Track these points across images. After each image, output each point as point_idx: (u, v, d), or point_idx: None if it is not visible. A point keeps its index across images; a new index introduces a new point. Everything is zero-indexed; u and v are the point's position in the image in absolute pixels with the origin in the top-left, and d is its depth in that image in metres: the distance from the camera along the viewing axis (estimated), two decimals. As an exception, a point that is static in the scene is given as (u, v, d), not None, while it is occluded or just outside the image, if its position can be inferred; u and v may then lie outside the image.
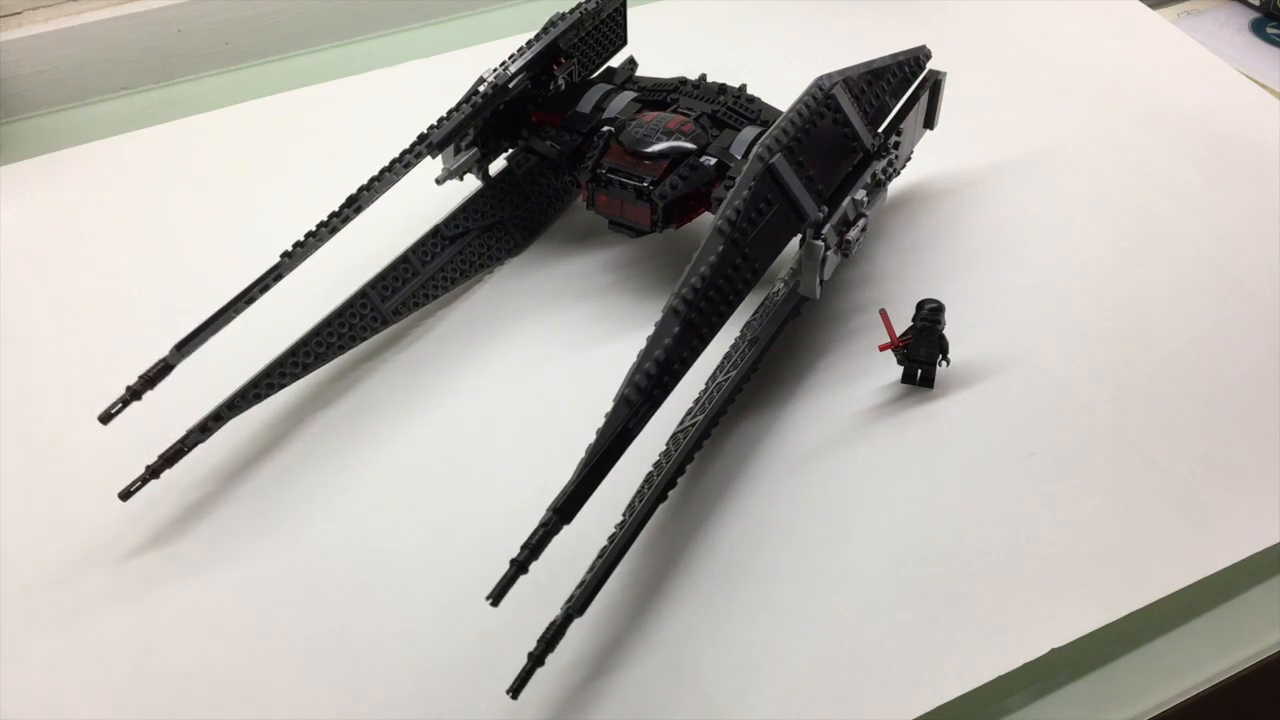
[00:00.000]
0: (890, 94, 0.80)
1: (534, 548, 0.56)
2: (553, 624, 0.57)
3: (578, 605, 0.58)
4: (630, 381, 0.59)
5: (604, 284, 0.86)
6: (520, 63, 0.82)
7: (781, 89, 0.81)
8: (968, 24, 1.15)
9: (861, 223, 0.76)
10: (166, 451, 0.67)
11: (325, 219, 0.73)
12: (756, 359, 0.73)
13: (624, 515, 0.63)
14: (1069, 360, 0.79)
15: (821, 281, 0.74)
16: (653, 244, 0.88)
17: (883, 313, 0.74)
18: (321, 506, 0.71)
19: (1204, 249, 0.87)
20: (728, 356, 0.74)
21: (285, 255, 0.72)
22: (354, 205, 0.74)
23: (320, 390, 0.78)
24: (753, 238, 0.65)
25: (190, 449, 0.68)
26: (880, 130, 0.78)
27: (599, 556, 0.61)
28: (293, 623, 0.64)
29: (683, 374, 0.61)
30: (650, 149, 0.78)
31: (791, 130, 0.69)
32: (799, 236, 0.72)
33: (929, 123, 0.87)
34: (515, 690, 0.56)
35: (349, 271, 0.80)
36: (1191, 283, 0.85)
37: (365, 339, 0.78)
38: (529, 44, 0.84)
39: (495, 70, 0.81)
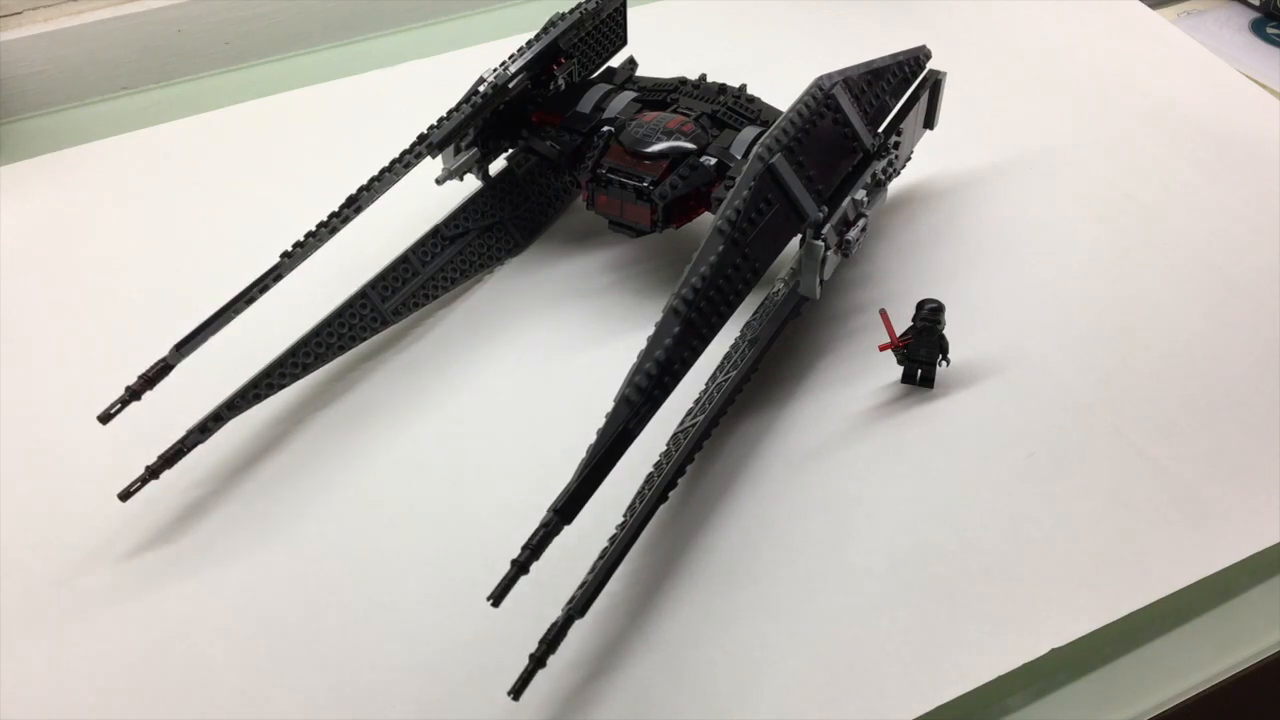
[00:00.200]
0: (890, 94, 0.80)
1: (534, 548, 0.56)
2: (554, 625, 0.57)
3: (578, 606, 0.58)
4: (630, 382, 0.59)
5: (604, 284, 0.86)
6: (520, 63, 0.82)
7: (781, 89, 0.81)
8: (968, 24, 1.15)
9: (861, 223, 0.76)
10: (166, 452, 0.67)
11: (325, 219, 0.73)
12: (756, 359, 0.73)
13: (624, 515, 0.63)
14: (1069, 360, 0.79)
15: (821, 281, 0.74)
16: (653, 244, 0.88)
17: (883, 313, 0.74)
18: (321, 507, 0.71)
19: (1204, 249, 0.87)
20: (728, 356, 0.74)
21: (285, 255, 0.72)
22: (354, 205, 0.74)
23: (320, 390, 0.78)
24: (753, 238, 0.65)
25: (190, 449, 0.68)
26: (880, 130, 0.78)
27: (599, 557, 0.61)
28: (293, 623, 0.64)
29: (683, 374, 0.61)
30: (650, 149, 0.78)
31: (791, 130, 0.69)
32: (799, 236, 0.72)
33: (929, 123, 0.87)
34: (516, 692, 0.56)
35: (349, 271, 0.80)
36: (1191, 282, 0.85)
37: (365, 339, 0.78)
38: (529, 44, 0.84)
39: (495, 70, 0.81)
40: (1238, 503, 0.70)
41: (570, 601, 0.58)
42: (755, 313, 0.76)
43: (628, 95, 0.85)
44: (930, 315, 0.73)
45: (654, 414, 0.60)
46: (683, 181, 0.77)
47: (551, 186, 0.92)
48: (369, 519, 0.70)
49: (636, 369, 0.60)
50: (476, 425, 0.75)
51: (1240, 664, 0.64)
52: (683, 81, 0.86)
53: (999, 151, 0.97)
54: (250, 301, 0.70)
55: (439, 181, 0.83)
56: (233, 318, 0.70)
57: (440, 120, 0.79)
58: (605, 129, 0.81)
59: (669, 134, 0.79)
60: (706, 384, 0.72)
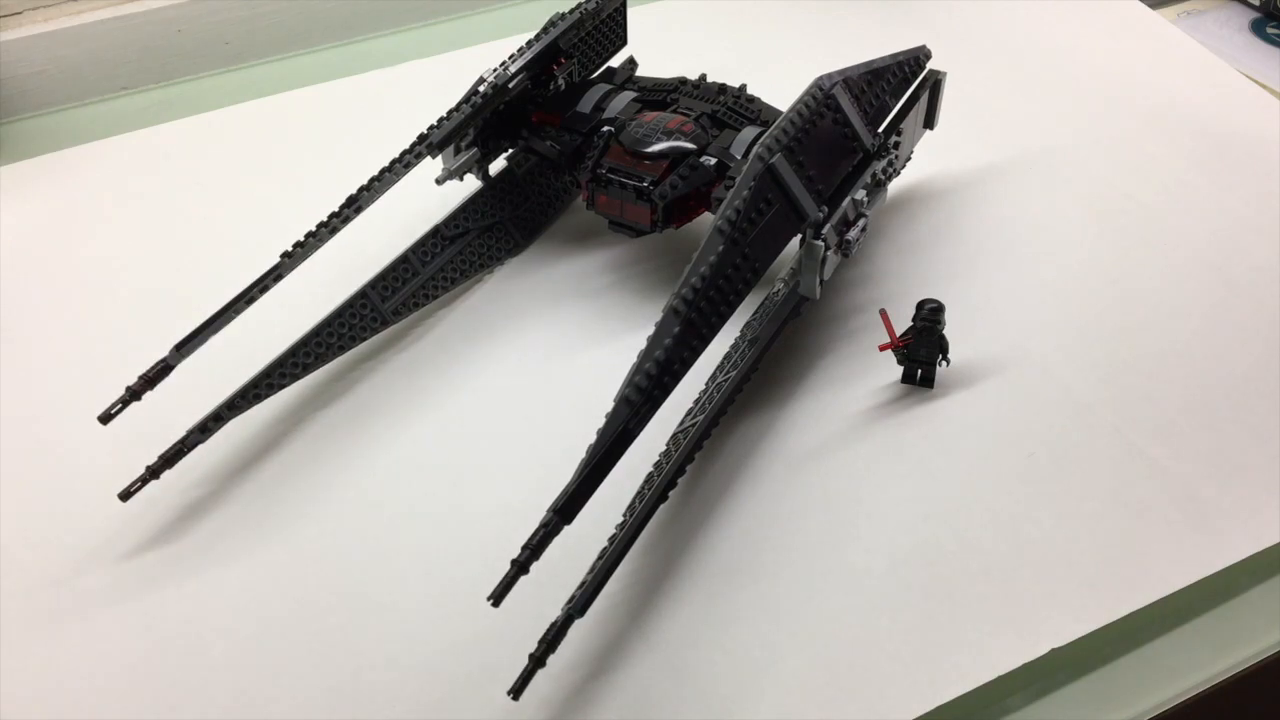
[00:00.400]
0: (890, 94, 0.80)
1: (534, 548, 0.56)
2: (553, 625, 0.57)
3: (578, 606, 0.58)
4: (630, 382, 0.59)
5: (604, 284, 0.86)
6: (520, 63, 0.82)
7: (781, 89, 0.81)
8: (968, 24, 1.15)
9: (861, 223, 0.76)
10: (166, 452, 0.67)
11: (325, 219, 0.73)
12: (756, 359, 0.73)
13: (624, 515, 0.63)
14: (1069, 360, 0.79)
15: (821, 281, 0.74)
16: (653, 244, 0.88)
17: (883, 313, 0.74)
18: (321, 507, 0.71)
19: (1204, 249, 0.87)
20: (728, 356, 0.74)
21: (285, 255, 0.72)
22: (354, 205, 0.74)
23: (320, 390, 0.78)
24: (753, 238, 0.65)
25: (190, 449, 0.68)
26: (880, 130, 0.78)
27: (599, 557, 0.61)
28: (293, 623, 0.64)
29: (683, 374, 0.61)
30: (650, 149, 0.78)
31: (791, 130, 0.69)
32: (799, 236, 0.72)
33: (929, 123, 0.87)
34: (516, 692, 0.56)
35: (349, 271, 0.80)
36: (1191, 282, 0.85)
37: (365, 339, 0.78)
38: (529, 44, 0.84)
39: (495, 70, 0.81)
40: (1238, 503, 0.70)
41: (570, 601, 0.58)
42: (755, 313, 0.76)
43: (628, 95, 0.85)
44: (930, 315, 0.73)
45: (654, 414, 0.60)
46: (683, 181, 0.77)
47: (551, 186, 0.92)
48: (369, 519, 0.70)
49: (636, 369, 0.60)
50: (476, 425, 0.75)
51: (1240, 664, 0.64)
52: (683, 81, 0.86)
53: (999, 151, 0.97)
54: (250, 301, 0.70)
55: (439, 181, 0.83)
56: (233, 318, 0.70)
57: (440, 120, 0.79)
58: (605, 129, 0.81)
59: (669, 134, 0.79)
60: (706, 384, 0.72)
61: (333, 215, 0.73)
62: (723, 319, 0.64)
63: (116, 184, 0.97)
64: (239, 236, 0.90)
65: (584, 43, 0.88)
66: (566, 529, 0.57)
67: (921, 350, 0.74)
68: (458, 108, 0.79)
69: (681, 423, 0.70)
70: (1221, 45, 1.15)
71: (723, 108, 0.82)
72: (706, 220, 0.78)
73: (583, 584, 0.59)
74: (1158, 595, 0.65)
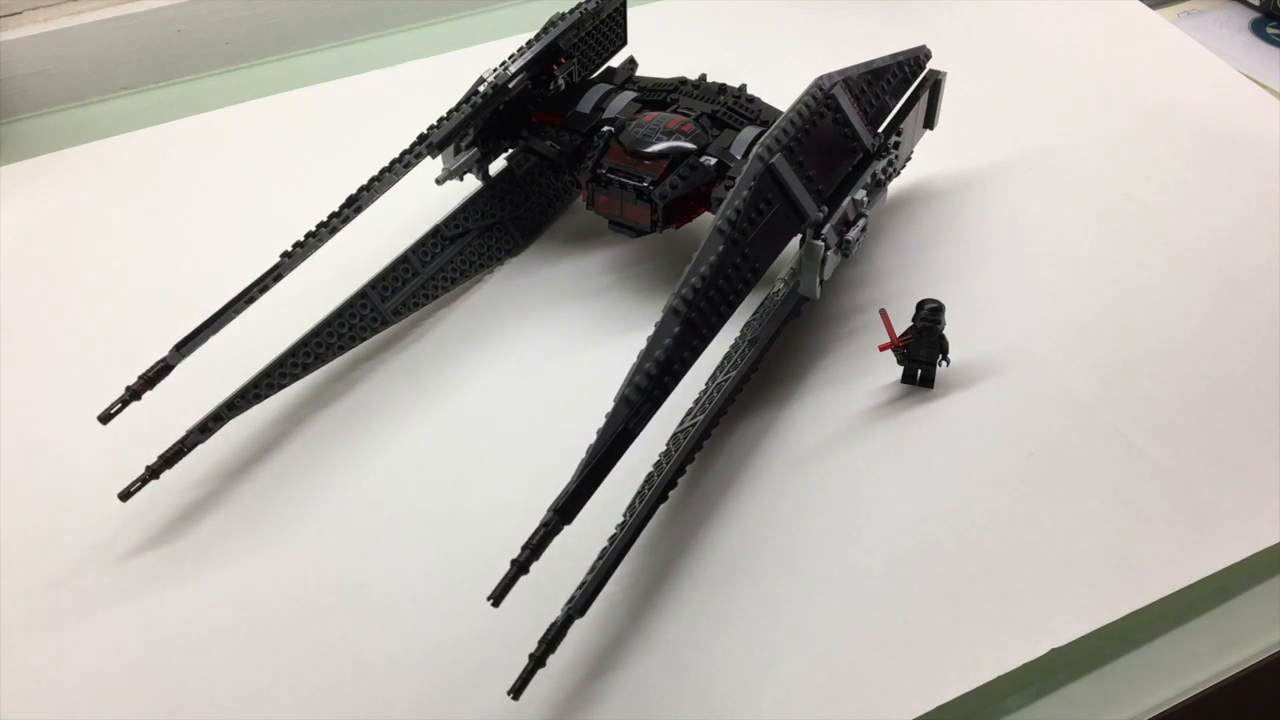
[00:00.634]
0: (890, 94, 0.80)
1: (534, 548, 0.56)
2: (553, 625, 0.57)
3: (578, 606, 0.58)
4: (630, 382, 0.59)
5: (604, 284, 0.86)
6: (520, 63, 0.82)
7: (781, 89, 0.81)
8: (968, 24, 1.15)
9: (861, 223, 0.76)
10: (166, 452, 0.67)
11: (325, 219, 0.73)
12: (756, 359, 0.73)
13: (624, 515, 0.63)
14: (1069, 360, 0.79)
15: (821, 281, 0.74)
16: (653, 244, 0.88)
17: (883, 313, 0.74)
18: (321, 507, 0.71)
19: (1204, 249, 0.87)
20: (728, 356, 0.74)
21: (285, 255, 0.72)
22: (354, 205, 0.74)
23: (320, 390, 0.78)
24: (753, 238, 0.65)
25: (190, 449, 0.68)
26: (880, 130, 0.78)
27: (599, 557, 0.61)
28: (292, 623, 0.64)
29: (683, 374, 0.61)
30: (650, 149, 0.78)
31: (791, 130, 0.69)
32: (799, 236, 0.72)
33: (929, 123, 0.87)
34: (516, 692, 0.56)
35: (349, 271, 0.80)
36: (1191, 282, 0.85)
37: (365, 339, 0.78)
38: (529, 44, 0.84)
39: (495, 70, 0.81)
40: (1237, 503, 0.70)
41: (570, 601, 0.58)
42: (755, 313, 0.76)
43: (628, 95, 0.85)
44: (930, 315, 0.73)
45: (654, 414, 0.60)
46: (683, 181, 0.77)
47: (551, 186, 0.92)
48: (369, 519, 0.70)
49: (636, 369, 0.60)
50: (476, 425, 0.75)
51: (1240, 664, 0.64)
52: (683, 81, 0.86)
53: (999, 151, 0.97)
54: (250, 301, 0.70)
55: (439, 181, 0.83)
56: (233, 318, 0.70)
57: (440, 120, 0.79)
58: (605, 129, 0.81)
59: (669, 134, 0.79)
60: (706, 384, 0.72)
61: (333, 215, 0.73)
62: (723, 319, 0.64)
63: (116, 184, 0.97)
64: (239, 236, 0.90)
65: (584, 43, 0.89)
66: (566, 529, 0.57)
67: (921, 350, 0.74)
68: (458, 108, 0.79)
69: (681, 423, 0.70)
70: (1221, 45, 1.15)
71: (723, 108, 0.82)
72: (706, 220, 0.78)
73: (583, 584, 0.59)
74: (1158, 595, 0.65)
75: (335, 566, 0.67)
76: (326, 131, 1.03)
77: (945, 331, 0.74)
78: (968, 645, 0.63)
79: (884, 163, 0.79)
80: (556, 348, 0.81)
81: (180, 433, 0.68)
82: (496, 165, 0.88)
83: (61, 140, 1.03)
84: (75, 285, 0.87)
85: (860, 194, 0.76)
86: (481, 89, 0.80)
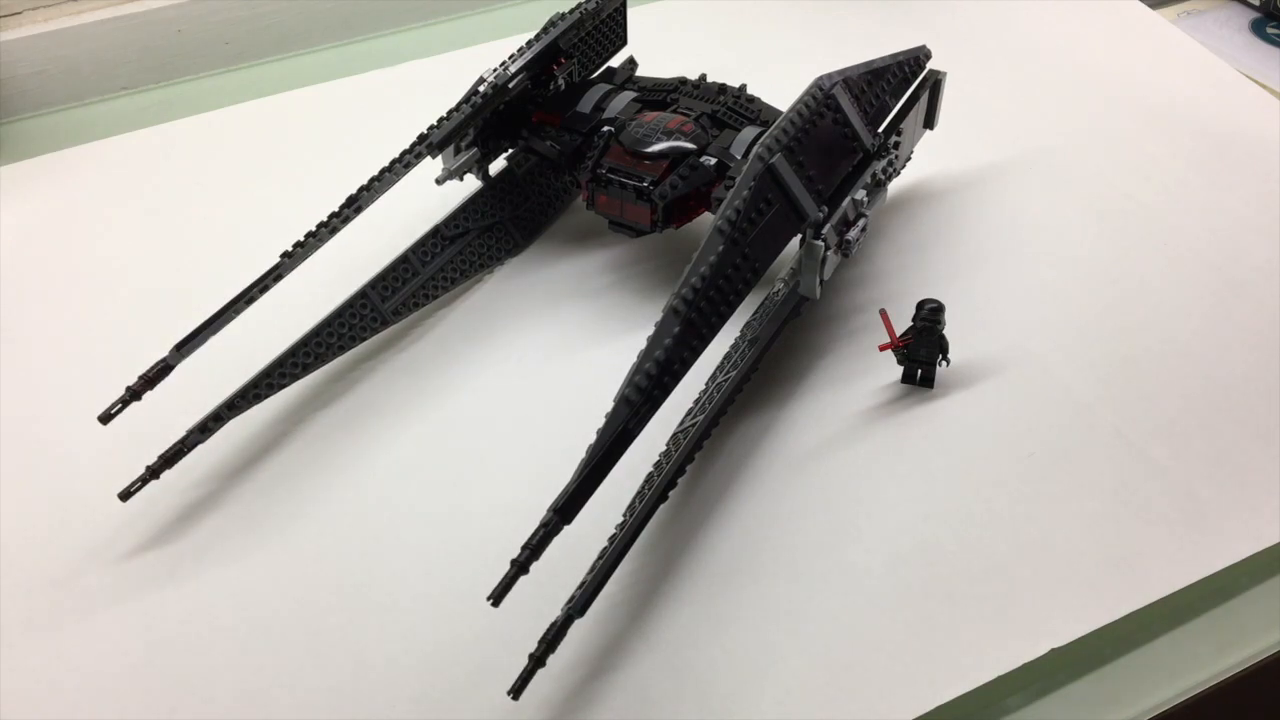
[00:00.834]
0: (890, 94, 0.80)
1: (534, 548, 0.56)
2: (553, 625, 0.57)
3: (578, 606, 0.58)
4: (630, 382, 0.59)
5: (604, 284, 0.86)
6: (520, 63, 0.82)
7: (781, 89, 0.81)
8: (968, 24, 1.15)
9: (861, 223, 0.76)
10: (166, 452, 0.67)
11: (325, 219, 0.73)
12: (756, 359, 0.73)
13: (624, 515, 0.63)
14: (1069, 360, 0.79)
15: (821, 281, 0.74)
16: (653, 244, 0.88)
17: (883, 313, 0.74)
18: (321, 507, 0.71)
19: (1204, 249, 0.87)
20: (728, 356, 0.74)
21: (285, 255, 0.72)
22: (354, 205, 0.74)
23: (320, 390, 0.78)
24: (753, 238, 0.65)
25: (190, 449, 0.68)
26: (880, 130, 0.78)
27: (599, 557, 0.61)
28: (292, 623, 0.64)
29: (683, 374, 0.61)
30: (650, 149, 0.78)
31: (791, 130, 0.69)
32: (799, 236, 0.72)
33: (929, 123, 0.87)
34: (516, 691, 0.56)
35: (349, 271, 0.80)
36: (1191, 282, 0.85)
37: (365, 339, 0.78)
38: (529, 44, 0.84)
39: (495, 70, 0.81)
40: (1238, 503, 0.70)
41: (570, 601, 0.58)
42: (755, 313, 0.76)
43: (628, 95, 0.85)
44: (930, 315, 0.73)
45: (654, 414, 0.60)
46: (683, 181, 0.77)
47: (551, 186, 0.92)
48: (369, 519, 0.70)
49: (636, 369, 0.60)
50: (477, 425, 0.75)
51: (1240, 664, 0.64)
52: (683, 81, 0.86)
53: (999, 151, 0.97)
54: (250, 301, 0.70)
55: (439, 181, 0.83)
56: (233, 318, 0.70)
57: (440, 120, 0.79)
58: (605, 129, 0.81)
59: (669, 134, 0.79)
60: (706, 384, 0.72)
61: (333, 215, 0.73)
62: (723, 319, 0.64)
63: (116, 184, 0.97)
64: (239, 236, 0.90)
65: (584, 43, 0.89)
66: (566, 529, 0.57)
67: (921, 350, 0.74)
68: (458, 108, 0.79)
69: (681, 423, 0.70)
70: (1221, 45, 1.15)
71: (723, 108, 0.82)
72: (706, 220, 0.78)
73: (583, 584, 0.59)
74: (1158, 595, 0.65)
75: (335, 566, 0.67)
76: (326, 131, 1.03)
77: (945, 331, 0.74)
78: (968, 645, 0.63)
79: (884, 163, 0.79)
80: (556, 348, 0.81)
81: (180, 433, 0.68)
82: (496, 165, 0.88)
83: (61, 140, 1.03)
84: (75, 285, 0.87)
85: (860, 194, 0.76)
86: (481, 89, 0.80)
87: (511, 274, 0.87)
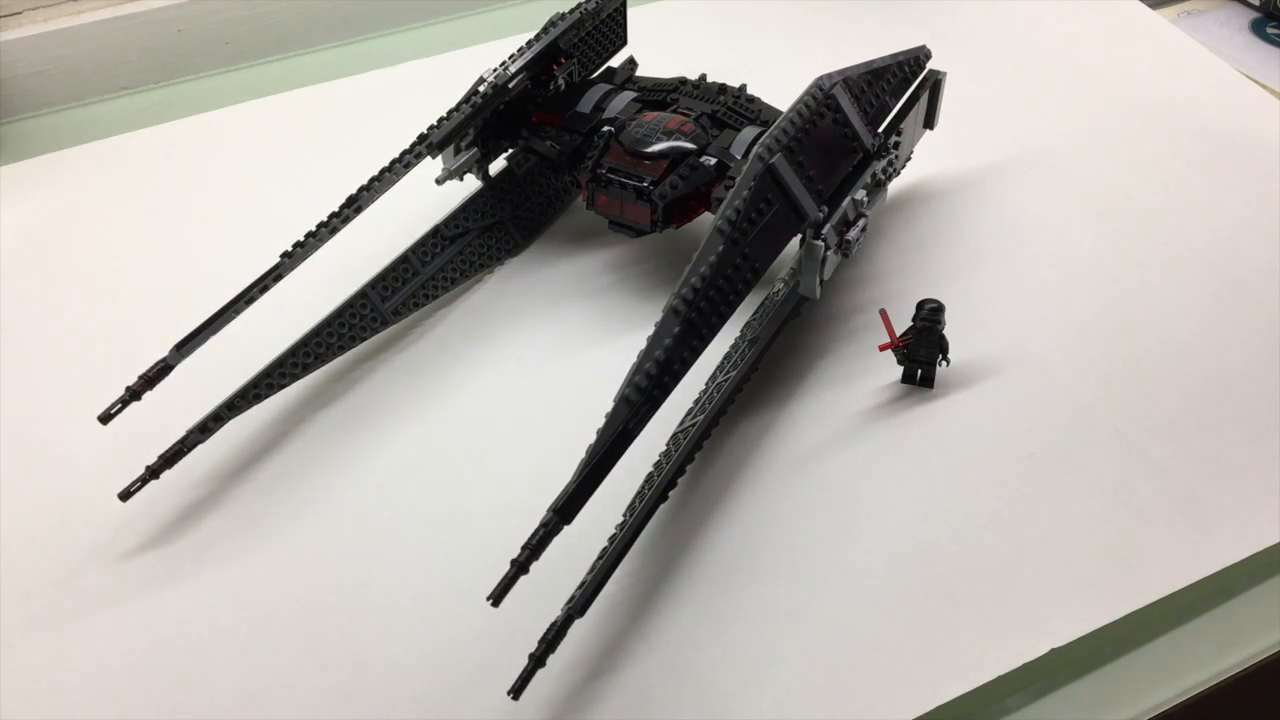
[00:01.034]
0: (890, 94, 0.80)
1: (534, 548, 0.56)
2: (553, 625, 0.57)
3: (578, 606, 0.58)
4: (630, 382, 0.59)
5: (604, 284, 0.86)
6: (520, 63, 0.82)
7: (781, 89, 0.81)
8: (968, 24, 1.15)
9: (861, 223, 0.76)
10: (166, 452, 0.67)
11: (325, 219, 0.73)
12: (756, 359, 0.73)
13: (624, 515, 0.63)
14: (1069, 360, 0.79)
15: (821, 281, 0.74)
16: (653, 244, 0.88)
17: (883, 313, 0.74)
18: (321, 507, 0.71)
19: (1204, 249, 0.87)
20: (728, 356, 0.74)
21: (285, 255, 0.72)
22: (354, 205, 0.74)
23: (320, 390, 0.78)
24: (753, 238, 0.65)
25: (190, 449, 0.68)
26: (880, 130, 0.78)
27: (599, 557, 0.61)
28: (292, 623, 0.64)
29: (683, 374, 0.61)
30: (650, 149, 0.78)
31: (791, 130, 0.69)
32: (799, 236, 0.72)
33: (929, 123, 0.87)
34: (516, 691, 0.56)
35: (349, 271, 0.80)
36: (1191, 282, 0.85)
37: (365, 339, 0.78)
38: (529, 44, 0.84)
39: (495, 70, 0.81)
40: (1238, 503, 0.70)
41: (570, 601, 0.58)
42: (755, 313, 0.76)
43: (628, 95, 0.85)
44: (930, 315, 0.73)
45: (654, 414, 0.60)
46: (683, 181, 0.77)
47: (551, 186, 0.92)
48: (369, 519, 0.70)
49: (636, 369, 0.60)
50: (477, 425, 0.75)
51: (1240, 664, 0.64)
52: (683, 81, 0.86)
53: (999, 151, 0.97)
54: (250, 301, 0.70)
55: (439, 181, 0.83)
56: (233, 318, 0.70)
57: (440, 120, 0.79)
58: (605, 129, 0.81)
59: (669, 134, 0.79)
60: (706, 384, 0.72)
61: (333, 215, 0.73)
62: (723, 319, 0.64)
63: (116, 184, 0.97)
64: (239, 236, 0.90)
65: (584, 43, 0.89)
66: (566, 529, 0.57)
67: (921, 350, 0.74)
68: (458, 108, 0.79)
69: (681, 423, 0.70)
70: (1221, 45, 1.15)
71: (723, 108, 0.82)
72: (706, 220, 0.78)
73: (583, 584, 0.59)
74: (1158, 595, 0.65)
75: (335, 566, 0.67)
76: (326, 131, 1.03)
77: (945, 331, 0.74)
78: (968, 645, 0.63)
79: (884, 163, 0.79)
80: (556, 348, 0.81)
81: (180, 433, 0.68)
82: (496, 165, 0.88)
83: (61, 140, 1.03)
84: (75, 285, 0.87)
85: (860, 194, 0.76)
86: (481, 89, 0.80)
87: (511, 274, 0.87)
